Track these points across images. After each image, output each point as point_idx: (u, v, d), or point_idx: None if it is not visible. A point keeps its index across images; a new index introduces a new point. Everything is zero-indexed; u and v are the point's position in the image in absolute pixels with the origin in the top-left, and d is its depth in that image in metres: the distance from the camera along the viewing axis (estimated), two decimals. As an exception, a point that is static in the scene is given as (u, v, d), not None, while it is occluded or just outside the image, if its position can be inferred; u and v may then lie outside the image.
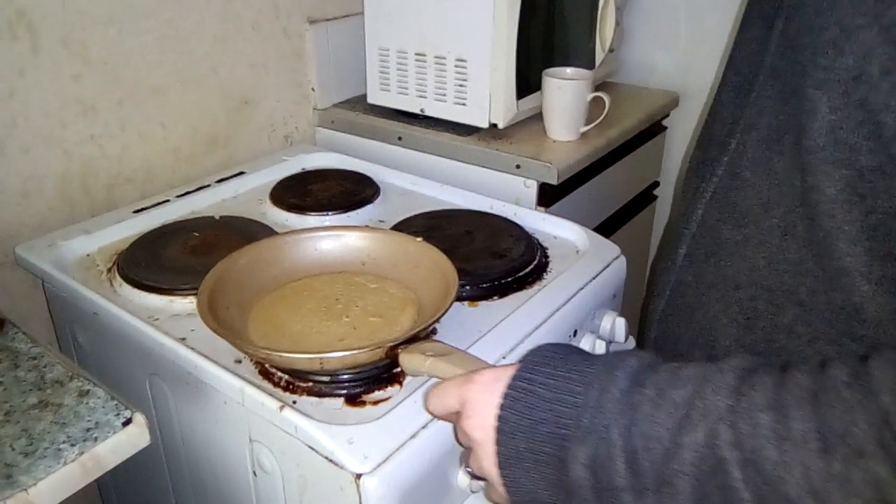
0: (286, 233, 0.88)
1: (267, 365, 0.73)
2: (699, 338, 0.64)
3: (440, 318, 0.71)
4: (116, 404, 0.61)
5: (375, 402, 0.69)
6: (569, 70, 1.21)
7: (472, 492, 0.71)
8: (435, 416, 0.61)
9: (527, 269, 0.89)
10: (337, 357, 0.66)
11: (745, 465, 0.39)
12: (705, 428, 0.41)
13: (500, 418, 0.48)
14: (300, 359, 0.68)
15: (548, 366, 0.48)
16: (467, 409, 0.51)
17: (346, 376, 0.71)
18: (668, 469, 0.41)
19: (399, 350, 0.67)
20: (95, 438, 0.58)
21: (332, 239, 0.85)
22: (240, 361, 0.74)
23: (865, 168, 0.49)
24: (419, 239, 0.84)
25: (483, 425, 0.49)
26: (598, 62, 1.38)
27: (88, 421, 0.59)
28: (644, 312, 0.75)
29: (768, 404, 0.40)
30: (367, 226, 0.97)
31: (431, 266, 0.79)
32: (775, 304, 0.58)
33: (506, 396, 0.48)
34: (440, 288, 0.76)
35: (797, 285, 0.56)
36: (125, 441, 0.59)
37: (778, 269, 0.57)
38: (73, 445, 0.57)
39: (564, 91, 1.17)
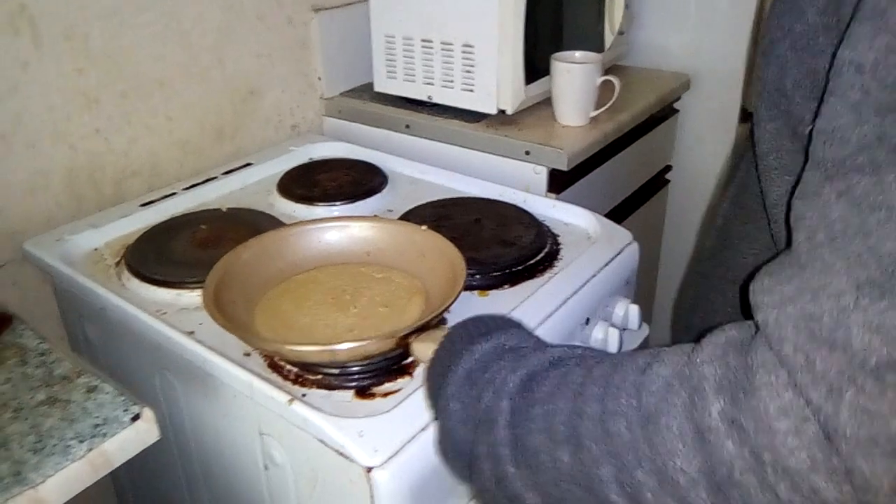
0: (290, 225, 0.87)
1: (276, 358, 0.72)
2: (703, 329, 0.65)
3: (450, 306, 0.70)
4: (125, 400, 0.60)
5: (385, 395, 0.68)
6: (578, 54, 1.19)
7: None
8: None
9: (538, 257, 0.88)
10: (348, 348, 0.65)
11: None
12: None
13: (432, 356, 0.59)
14: (311, 351, 0.67)
15: (451, 340, 0.58)
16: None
17: (355, 368, 0.70)
18: (476, 429, 0.51)
19: (411, 339, 0.66)
20: (104, 435, 0.57)
21: (337, 230, 0.84)
22: (248, 355, 0.73)
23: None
24: (424, 227, 0.83)
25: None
26: (607, 45, 1.36)
27: (97, 417, 0.59)
28: None
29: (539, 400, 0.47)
30: (373, 216, 0.96)
31: (438, 254, 0.78)
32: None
33: (434, 351, 0.59)
34: (448, 276, 0.75)
35: None
36: (134, 437, 0.59)
37: (754, 261, 0.58)
38: (81, 442, 0.56)
39: (574, 75, 1.15)
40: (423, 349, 0.64)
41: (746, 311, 0.40)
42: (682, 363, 0.41)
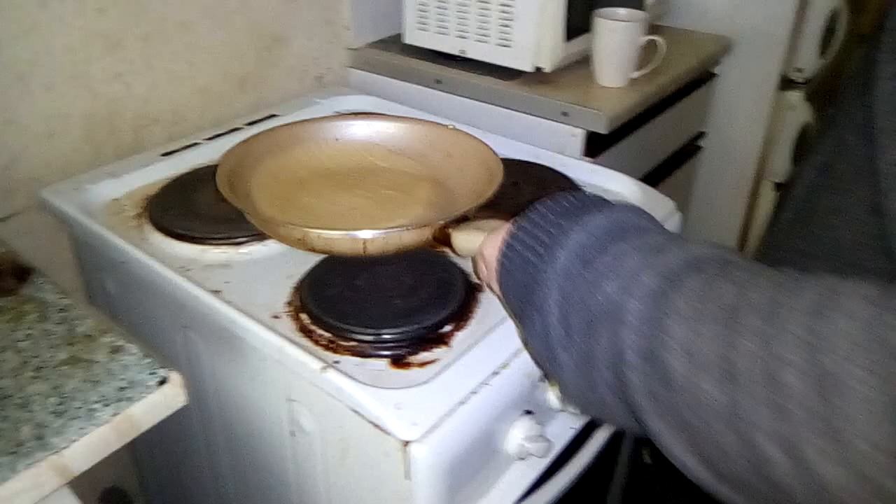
0: (305, 120, 0.83)
1: (307, 321, 0.68)
2: None
3: (493, 196, 0.67)
4: (151, 362, 0.57)
5: (422, 364, 0.65)
6: (621, 11, 1.14)
7: (520, 458, 0.68)
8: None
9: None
10: (381, 235, 0.61)
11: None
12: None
13: (501, 251, 0.54)
14: (342, 238, 0.63)
15: (533, 222, 0.53)
16: (486, 244, 0.59)
17: (389, 336, 0.66)
18: (588, 321, 0.46)
19: (451, 229, 0.62)
20: (129, 399, 0.54)
21: (357, 128, 0.81)
22: (278, 317, 0.70)
23: None
24: (451, 125, 0.79)
25: (492, 256, 0.56)
26: (648, 3, 1.29)
27: (122, 380, 0.56)
28: None
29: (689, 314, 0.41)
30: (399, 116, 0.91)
31: (468, 154, 0.75)
32: (835, 267, 0.54)
33: (502, 242, 0.54)
34: (481, 174, 0.72)
35: (866, 263, 0.52)
36: (160, 402, 0.56)
37: (854, 243, 0.53)
38: (106, 406, 0.53)
39: (617, 33, 1.09)
40: (467, 240, 0.61)
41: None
42: (868, 321, 0.34)
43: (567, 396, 0.50)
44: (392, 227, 0.61)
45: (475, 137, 0.76)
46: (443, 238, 0.62)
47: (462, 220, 0.63)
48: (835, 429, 0.34)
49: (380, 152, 0.80)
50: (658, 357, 0.41)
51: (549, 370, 0.51)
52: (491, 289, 0.59)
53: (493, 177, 0.70)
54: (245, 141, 0.75)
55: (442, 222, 0.61)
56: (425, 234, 0.62)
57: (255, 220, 0.67)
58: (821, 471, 0.35)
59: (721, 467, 0.39)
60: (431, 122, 0.83)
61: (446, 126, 0.79)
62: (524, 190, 0.89)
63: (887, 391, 0.33)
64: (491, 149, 0.75)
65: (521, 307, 0.52)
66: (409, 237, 0.62)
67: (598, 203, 0.52)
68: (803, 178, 0.61)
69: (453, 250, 0.64)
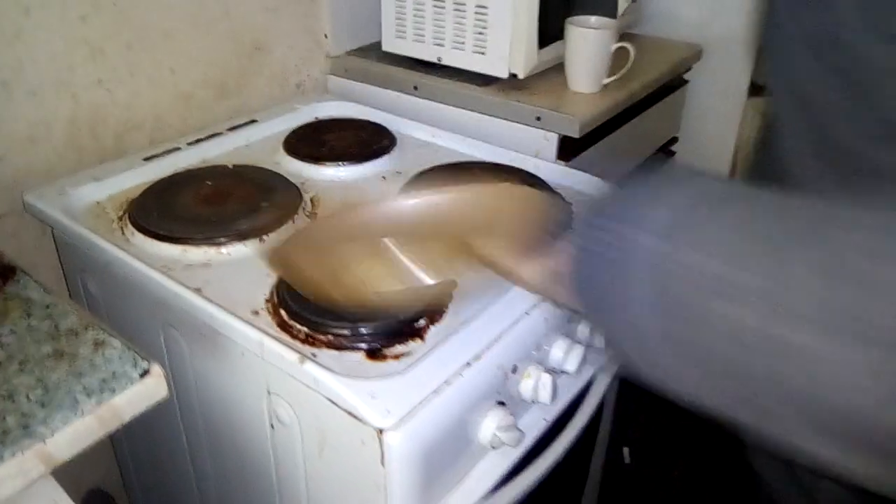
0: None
1: (285, 316, 0.71)
2: None
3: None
4: (133, 355, 0.59)
5: (397, 357, 0.67)
6: (593, 19, 1.17)
7: (493, 447, 0.70)
8: None
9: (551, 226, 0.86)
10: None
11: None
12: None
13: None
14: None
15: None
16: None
17: (365, 329, 0.69)
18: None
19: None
20: (112, 390, 0.56)
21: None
22: (257, 313, 0.72)
23: None
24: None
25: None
26: (620, 12, 1.33)
27: (105, 371, 0.57)
28: None
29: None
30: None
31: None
32: None
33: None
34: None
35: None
36: (143, 392, 0.58)
37: None
38: (89, 396, 0.55)
39: (588, 40, 1.12)
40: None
41: None
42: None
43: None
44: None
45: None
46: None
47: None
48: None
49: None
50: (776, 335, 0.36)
51: (647, 371, 0.45)
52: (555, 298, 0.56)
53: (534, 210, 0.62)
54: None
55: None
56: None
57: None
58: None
59: None
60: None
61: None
62: (498, 191, 0.92)
63: None
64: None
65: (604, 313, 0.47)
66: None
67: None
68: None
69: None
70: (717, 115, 1.54)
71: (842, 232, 0.35)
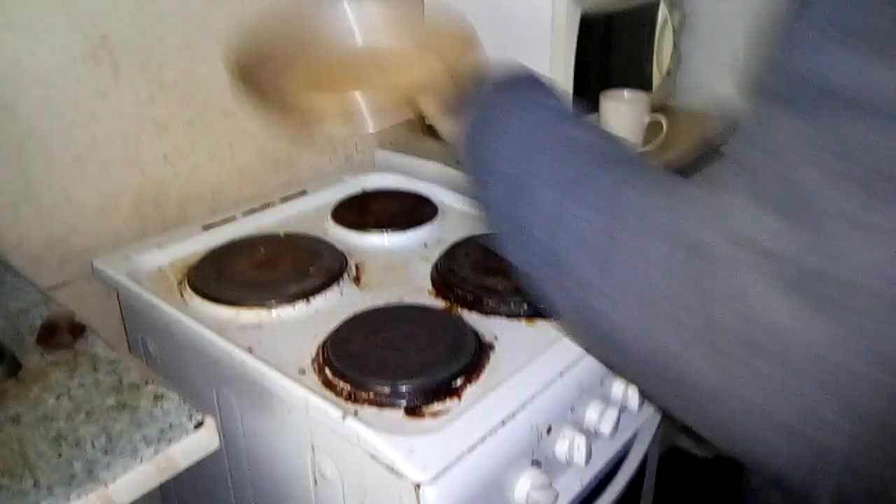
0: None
1: (329, 374, 0.75)
2: None
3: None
4: (189, 408, 0.63)
5: (435, 414, 0.70)
6: (626, 93, 1.22)
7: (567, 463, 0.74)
8: None
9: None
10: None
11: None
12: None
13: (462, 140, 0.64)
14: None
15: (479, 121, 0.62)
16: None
17: (405, 388, 0.72)
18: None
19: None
20: (169, 440, 0.60)
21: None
22: (303, 372, 0.76)
23: None
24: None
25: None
26: (655, 85, 1.38)
27: (162, 423, 0.62)
28: None
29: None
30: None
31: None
32: None
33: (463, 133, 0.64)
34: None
35: None
36: (196, 443, 0.62)
37: None
38: (148, 445, 0.59)
39: (621, 113, 1.17)
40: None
41: None
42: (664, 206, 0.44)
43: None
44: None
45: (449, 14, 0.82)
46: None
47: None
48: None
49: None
50: (560, 239, 0.49)
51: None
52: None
53: (466, 42, 0.78)
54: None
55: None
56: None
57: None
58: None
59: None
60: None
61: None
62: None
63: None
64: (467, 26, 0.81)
65: (477, 185, 0.62)
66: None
67: (526, 94, 0.64)
68: None
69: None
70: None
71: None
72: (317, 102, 0.70)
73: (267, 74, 0.75)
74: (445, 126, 0.68)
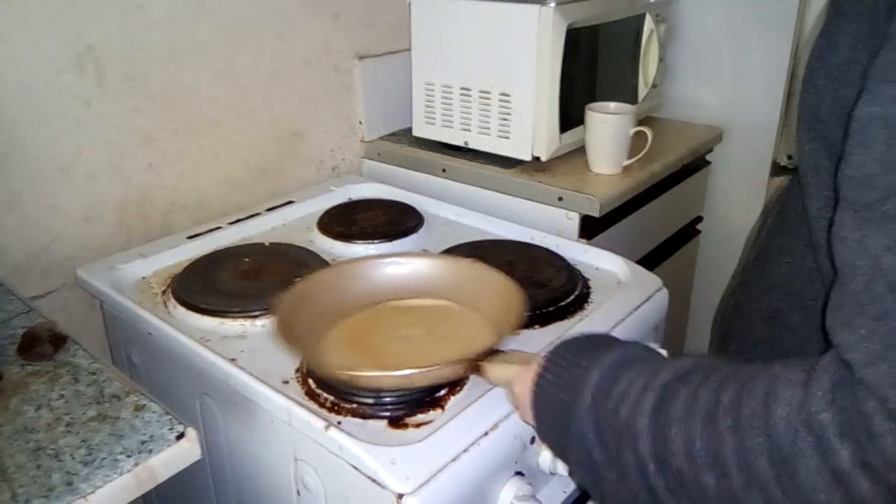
0: (351, 261, 0.89)
1: (313, 385, 0.75)
2: (741, 334, 0.73)
3: (515, 329, 0.73)
4: (170, 419, 0.63)
5: (418, 425, 0.70)
6: (612, 104, 1.23)
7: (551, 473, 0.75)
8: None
9: (568, 299, 0.90)
10: (423, 373, 0.67)
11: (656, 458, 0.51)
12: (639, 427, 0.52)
13: (533, 389, 0.62)
14: (389, 377, 0.68)
15: (557, 364, 0.61)
16: (515, 381, 0.66)
17: (389, 399, 0.72)
18: (618, 441, 0.54)
19: (483, 362, 0.69)
20: (150, 451, 0.60)
21: (397, 266, 0.87)
22: (287, 382, 0.76)
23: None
24: (472, 260, 0.86)
25: (524, 392, 0.63)
26: (641, 97, 1.39)
27: (143, 434, 0.62)
28: None
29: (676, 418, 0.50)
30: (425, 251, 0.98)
31: (491, 284, 0.81)
32: (789, 305, 0.63)
33: (533, 382, 0.62)
34: (502, 304, 0.78)
35: (804, 290, 0.62)
36: (177, 455, 0.61)
37: (795, 274, 0.63)
38: (128, 457, 0.59)
39: (607, 125, 1.18)
40: (499, 372, 0.68)
41: (781, 320, 0.49)
42: (798, 404, 0.44)
43: None
44: (430, 366, 0.67)
45: (497, 271, 0.83)
46: (475, 370, 0.69)
47: (491, 352, 0.70)
48: (804, 500, 0.43)
49: (407, 291, 0.87)
50: (668, 461, 0.50)
51: (594, 489, 0.58)
52: (525, 420, 0.66)
53: (513, 307, 0.76)
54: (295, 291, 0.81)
55: (473, 356, 0.69)
56: (461, 369, 0.70)
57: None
58: None
59: None
60: (454, 257, 0.91)
61: (469, 260, 0.87)
62: (518, 268, 0.96)
63: (827, 466, 0.42)
64: (511, 281, 0.80)
65: (559, 439, 0.59)
66: (446, 372, 0.69)
67: (609, 341, 0.62)
68: (766, 223, 0.71)
69: (487, 380, 0.71)
70: (740, 196, 1.57)
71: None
72: (374, 382, 0.71)
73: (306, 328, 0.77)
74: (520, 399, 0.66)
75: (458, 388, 0.75)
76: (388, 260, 0.88)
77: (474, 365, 0.69)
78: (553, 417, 0.59)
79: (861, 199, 0.43)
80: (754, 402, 0.46)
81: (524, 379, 0.64)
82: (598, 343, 0.62)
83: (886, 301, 0.41)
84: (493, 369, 0.68)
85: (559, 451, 0.61)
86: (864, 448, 0.41)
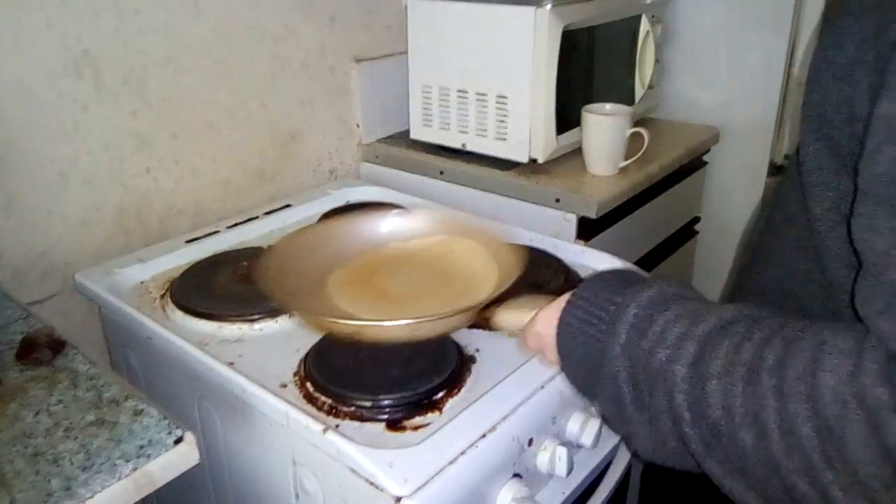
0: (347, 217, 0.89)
1: (311, 388, 0.75)
2: None
3: (521, 278, 0.71)
4: (168, 423, 0.63)
5: (416, 428, 0.70)
6: (608, 106, 1.23)
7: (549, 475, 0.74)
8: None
9: (566, 301, 0.90)
10: (430, 322, 0.65)
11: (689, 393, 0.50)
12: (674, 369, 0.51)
13: (560, 326, 0.61)
14: (393, 327, 0.67)
15: (587, 300, 0.59)
16: (539, 319, 0.65)
17: (386, 401, 0.72)
18: (651, 384, 0.53)
19: (491, 312, 0.68)
20: (148, 455, 0.60)
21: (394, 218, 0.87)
22: (285, 385, 0.76)
23: (845, 192, 0.54)
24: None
25: (549, 330, 0.62)
26: (637, 98, 1.40)
27: (142, 439, 0.62)
28: None
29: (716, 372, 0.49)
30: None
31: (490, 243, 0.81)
32: (785, 308, 0.62)
33: (560, 319, 0.61)
34: (502, 250, 0.78)
35: (802, 292, 0.61)
36: (176, 459, 0.62)
37: (788, 276, 0.63)
38: (127, 461, 0.59)
39: (603, 126, 1.18)
40: (512, 317, 0.67)
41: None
42: (849, 376, 0.43)
43: (642, 451, 0.57)
44: (440, 315, 0.66)
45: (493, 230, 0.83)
46: (482, 320, 0.68)
47: (499, 301, 0.68)
48: (850, 471, 0.43)
49: (411, 243, 0.86)
50: (705, 413, 0.49)
51: (622, 430, 0.58)
52: (545, 358, 0.65)
53: (516, 250, 0.76)
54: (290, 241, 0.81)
55: (482, 303, 0.67)
56: (469, 317, 0.68)
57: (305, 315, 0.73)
58: (838, 499, 0.44)
59: (774, 501, 0.47)
60: (448, 211, 0.90)
61: (466, 217, 0.87)
62: (516, 270, 0.96)
63: (877, 440, 0.42)
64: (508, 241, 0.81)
65: (589, 376, 0.58)
66: (456, 321, 0.68)
67: (642, 278, 0.60)
68: (758, 225, 0.72)
69: (493, 328, 0.70)
70: (737, 196, 1.57)
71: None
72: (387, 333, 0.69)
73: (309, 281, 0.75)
74: (532, 337, 0.66)
75: (456, 390, 0.75)
76: (382, 214, 0.87)
77: (482, 314, 0.67)
78: (583, 355, 0.58)
79: (892, 192, 0.43)
80: (801, 366, 0.45)
81: (549, 317, 0.62)
82: (631, 279, 0.60)
83: None
84: (506, 316, 0.67)
85: (587, 390, 0.60)
86: None
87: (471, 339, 0.84)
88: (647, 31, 1.36)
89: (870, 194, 0.45)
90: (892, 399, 0.41)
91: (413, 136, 1.36)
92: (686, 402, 0.50)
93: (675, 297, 0.56)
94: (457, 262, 0.80)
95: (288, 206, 1.21)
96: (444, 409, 0.73)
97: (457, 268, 0.79)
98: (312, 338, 0.82)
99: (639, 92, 1.40)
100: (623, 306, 0.56)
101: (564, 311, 0.60)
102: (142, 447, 0.61)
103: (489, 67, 1.21)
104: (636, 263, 1.01)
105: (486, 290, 0.72)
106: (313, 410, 0.72)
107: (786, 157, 1.55)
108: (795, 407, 0.44)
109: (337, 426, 0.70)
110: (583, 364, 0.59)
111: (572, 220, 1.16)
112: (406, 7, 1.30)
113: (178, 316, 0.88)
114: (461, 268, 0.79)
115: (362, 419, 0.71)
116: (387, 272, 0.79)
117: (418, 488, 0.63)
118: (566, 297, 0.61)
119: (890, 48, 0.44)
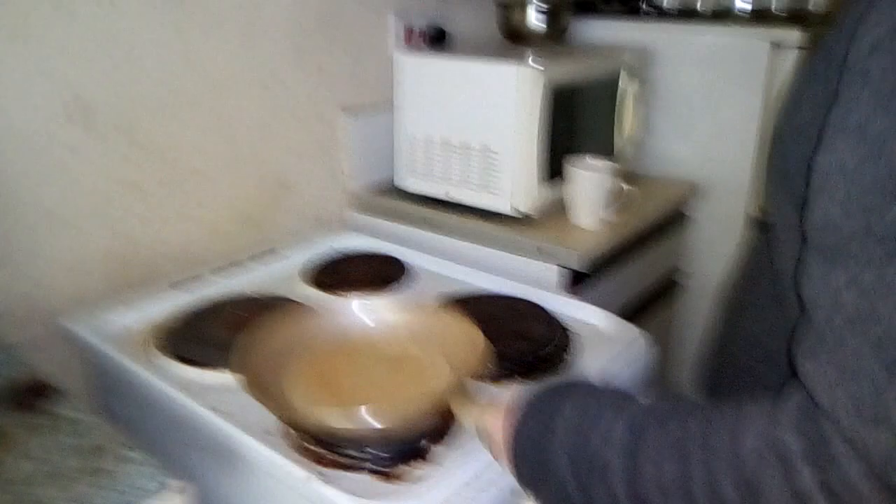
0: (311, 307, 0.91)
1: (296, 436, 0.74)
2: (718, 388, 0.76)
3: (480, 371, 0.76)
4: (152, 470, 0.63)
5: (400, 477, 0.70)
6: (592, 159, 1.26)
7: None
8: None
9: (549, 350, 0.91)
10: (401, 420, 0.70)
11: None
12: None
13: (513, 443, 0.63)
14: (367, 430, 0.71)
15: (529, 402, 0.63)
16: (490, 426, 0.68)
17: (373, 451, 0.72)
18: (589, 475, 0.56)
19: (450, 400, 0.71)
20: (130, 503, 0.60)
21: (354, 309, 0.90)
22: (271, 433, 0.76)
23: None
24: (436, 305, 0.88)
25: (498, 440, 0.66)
26: (620, 152, 1.43)
27: (126, 485, 0.61)
28: None
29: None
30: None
31: (455, 332, 0.84)
32: (755, 358, 0.67)
33: (514, 429, 0.63)
34: (467, 346, 0.80)
35: (770, 343, 0.64)
36: (160, 506, 0.61)
37: (761, 328, 0.67)
38: (110, 509, 0.59)
39: (586, 180, 1.21)
40: (464, 411, 0.71)
41: (750, 373, 0.53)
42: (764, 431, 0.47)
43: None
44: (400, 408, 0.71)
45: (461, 317, 0.86)
46: (442, 415, 0.74)
47: (458, 394, 0.72)
48: None
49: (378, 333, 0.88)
50: (641, 494, 0.52)
51: None
52: (497, 461, 0.68)
53: (476, 349, 0.79)
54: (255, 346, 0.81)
55: (438, 403, 0.72)
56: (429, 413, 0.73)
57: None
58: None
59: None
60: (420, 304, 0.93)
61: (433, 306, 0.90)
62: (502, 320, 0.97)
63: (789, 488, 0.45)
64: (476, 328, 0.83)
65: (536, 475, 0.61)
66: (418, 417, 0.72)
67: (578, 381, 0.66)
68: (731, 279, 0.75)
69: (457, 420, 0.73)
70: (720, 248, 1.61)
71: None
72: (328, 418, 0.73)
73: (272, 373, 0.78)
74: (484, 429, 0.69)
75: (441, 439, 0.76)
76: (347, 303, 0.89)
77: (442, 410, 0.71)
78: (530, 457, 0.61)
79: (826, 241, 0.46)
80: (723, 433, 0.49)
81: (496, 422, 0.66)
82: (568, 382, 0.64)
83: (844, 332, 0.44)
84: (462, 409, 0.70)
85: (531, 485, 0.62)
86: (824, 471, 0.43)
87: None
88: (626, 89, 1.40)
89: (808, 242, 0.48)
90: (800, 447, 0.45)
91: (397, 184, 1.38)
92: (625, 488, 0.53)
93: (607, 392, 0.61)
94: (417, 365, 0.83)
95: (274, 252, 1.22)
96: (428, 458, 0.73)
97: (417, 370, 0.82)
98: (298, 385, 0.82)
99: (620, 145, 1.44)
100: (559, 405, 0.60)
101: (515, 424, 0.63)
102: (123, 493, 0.60)
103: (474, 120, 1.24)
104: (621, 314, 1.02)
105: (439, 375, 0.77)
106: (299, 458, 0.72)
107: (761, 210, 1.59)
108: (719, 471, 0.48)
109: (322, 474, 0.70)
110: (533, 466, 0.62)
111: (554, 271, 1.18)
112: (392, 58, 1.33)
113: (163, 362, 0.88)
114: (421, 371, 0.82)
115: (348, 468, 0.71)
116: (352, 375, 0.81)
117: (404, 538, 0.62)
118: (509, 402, 0.65)
119: (829, 109, 0.47)
